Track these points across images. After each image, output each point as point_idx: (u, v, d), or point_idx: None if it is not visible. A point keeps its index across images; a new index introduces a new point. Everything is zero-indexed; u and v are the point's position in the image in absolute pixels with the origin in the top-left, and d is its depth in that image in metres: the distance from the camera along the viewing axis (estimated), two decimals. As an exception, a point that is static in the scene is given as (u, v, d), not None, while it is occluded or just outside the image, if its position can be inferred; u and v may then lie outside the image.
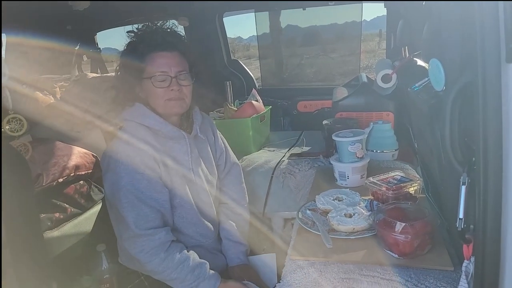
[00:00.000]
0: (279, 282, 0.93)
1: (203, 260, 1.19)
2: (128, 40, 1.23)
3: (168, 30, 1.24)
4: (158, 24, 1.23)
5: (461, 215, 0.72)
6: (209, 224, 1.30)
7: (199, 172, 1.30)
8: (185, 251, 1.18)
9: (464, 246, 0.74)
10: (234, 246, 1.33)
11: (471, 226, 0.73)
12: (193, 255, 1.18)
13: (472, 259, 0.74)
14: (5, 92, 1.17)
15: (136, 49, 1.19)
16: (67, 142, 1.72)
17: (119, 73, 1.24)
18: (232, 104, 2.07)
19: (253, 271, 1.30)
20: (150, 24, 1.23)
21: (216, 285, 1.16)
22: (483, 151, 0.64)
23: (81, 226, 1.54)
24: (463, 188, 0.72)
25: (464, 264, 0.76)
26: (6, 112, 1.24)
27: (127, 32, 1.22)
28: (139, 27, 1.23)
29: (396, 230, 0.91)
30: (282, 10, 2.91)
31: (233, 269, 1.30)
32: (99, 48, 2.72)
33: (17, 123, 1.20)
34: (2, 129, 1.26)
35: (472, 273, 0.74)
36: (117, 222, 1.20)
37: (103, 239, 1.52)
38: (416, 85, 1.16)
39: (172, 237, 1.17)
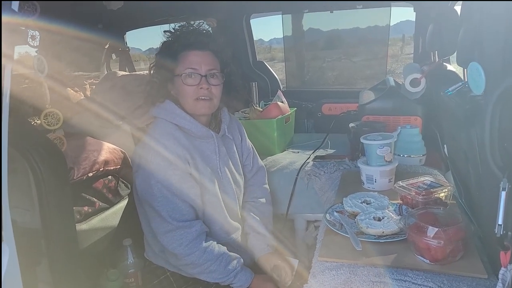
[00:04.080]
0: (307, 283, 0.93)
1: (236, 254, 1.22)
2: (164, 39, 1.26)
3: (204, 31, 1.27)
4: (194, 25, 1.26)
5: (500, 221, 0.71)
6: (233, 222, 1.32)
7: (226, 171, 1.32)
8: (220, 244, 1.20)
9: (502, 253, 0.73)
10: (260, 237, 1.35)
11: (509, 233, 0.71)
12: (225, 249, 1.20)
13: (510, 266, 0.72)
14: (44, 87, 1.22)
15: (171, 48, 1.23)
16: (96, 137, 1.77)
17: (153, 70, 1.27)
18: (257, 105, 2.09)
19: (281, 257, 1.31)
20: (186, 24, 1.27)
21: (251, 277, 1.19)
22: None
23: (108, 220, 1.58)
24: (503, 193, 0.70)
25: (501, 272, 0.74)
26: (44, 106, 1.29)
27: (164, 31, 1.26)
28: (176, 27, 1.26)
29: (428, 235, 0.89)
30: (305, 14, 2.91)
31: (261, 259, 1.31)
32: (128, 47, 2.79)
33: (54, 117, 1.25)
34: (40, 122, 1.31)
35: (509, 281, 0.73)
36: (149, 219, 1.22)
37: (129, 234, 1.56)
38: (450, 89, 1.14)
39: (207, 229, 1.19)
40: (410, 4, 2.24)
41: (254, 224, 1.37)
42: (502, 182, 0.70)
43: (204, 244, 1.15)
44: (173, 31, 1.26)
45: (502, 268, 0.74)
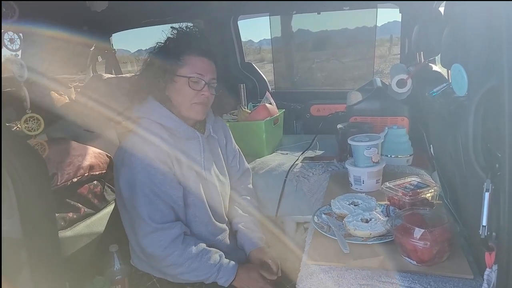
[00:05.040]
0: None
1: (217, 250, 1.22)
2: (169, 36, 1.25)
3: (212, 41, 1.28)
4: (196, 29, 1.26)
5: (484, 223, 0.71)
6: (219, 223, 1.31)
7: (211, 172, 1.31)
8: (199, 242, 1.20)
9: (486, 254, 0.73)
10: (250, 232, 1.35)
11: (494, 234, 0.72)
12: (205, 245, 1.20)
13: (495, 267, 0.72)
14: (23, 92, 1.19)
15: (177, 46, 1.22)
16: (81, 142, 1.74)
17: (148, 66, 1.25)
18: (246, 107, 2.08)
19: (273, 252, 1.32)
20: (194, 27, 1.27)
21: (235, 267, 1.18)
22: (509, 158, 0.63)
23: (94, 226, 1.55)
24: (487, 195, 0.70)
25: (486, 273, 0.74)
26: (24, 111, 1.26)
27: (171, 27, 1.25)
28: (179, 27, 1.25)
29: (414, 236, 0.89)
30: (294, 15, 2.92)
31: (253, 253, 1.32)
32: (114, 49, 2.75)
33: (34, 122, 1.22)
34: (20, 128, 1.28)
35: (494, 282, 0.73)
36: (130, 222, 1.21)
37: (115, 240, 1.53)
38: (435, 90, 1.15)
39: (186, 229, 1.18)
40: (396, 5, 2.26)
41: (243, 221, 1.38)
42: (485, 183, 0.71)
43: (182, 244, 1.15)
44: (180, 29, 1.25)
45: (487, 269, 0.74)
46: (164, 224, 1.14)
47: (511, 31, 0.61)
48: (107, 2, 1.73)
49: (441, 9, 1.69)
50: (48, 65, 2.14)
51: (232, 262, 1.20)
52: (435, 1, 1.85)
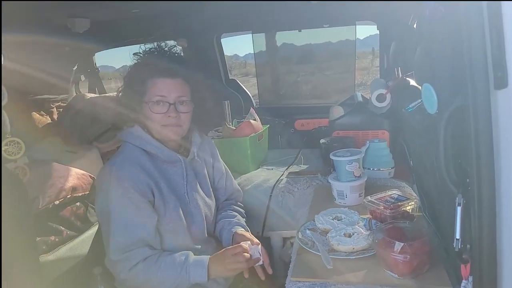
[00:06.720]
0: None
1: (183, 252, 1.19)
2: (134, 61, 1.23)
3: (176, 54, 1.25)
4: (165, 48, 1.24)
5: (458, 236, 0.74)
6: (197, 246, 1.28)
7: (194, 195, 1.29)
8: (157, 250, 1.18)
9: (462, 266, 0.75)
10: (231, 222, 1.35)
11: (468, 246, 0.74)
12: (163, 253, 1.18)
13: (470, 278, 0.75)
14: (4, 116, 1.18)
15: (140, 73, 1.20)
16: (64, 163, 1.72)
17: (121, 93, 1.24)
18: (231, 123, 2.09)
19: (255, 239, 1.27)
20: (157, 47, 1.24)
21: (206, 260, 1.15)
22: (477, 173, 0.67)
23: (76, 249, 1.52)
24: (459, 209, 0.73)
25: (462, 284, 0.76)
26: (4, 135, 1.24)
27: (133, 54, 1.23)
28: (146, 49, 1.23)
29: (395, 250, 0.91)
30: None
31: (235, 236, 1.29)
32: (97, 68, 2.75)
33: (15, 146, 1.20)
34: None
35: (471, 293, 0.75)
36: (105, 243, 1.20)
37: (99, 262, 1.50)
38: (410, 106, 1.18)
39: (151, 252, 1.16)
40: (373, 22, 2.34)
41: (226, 216, 1.38)
42: (457, 198, 0.74)
43: (143, 265, 1.13)
44: (142, 54, 1.24)
45: (463, 281, 0.76)
46: (129, 252, 1.13)
47: (472, 54, 0.65)
48: (88, 23, 1.74)
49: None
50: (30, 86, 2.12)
51: (201, 257, 1.17)
52: (411, 19, 1.93)
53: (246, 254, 1.16)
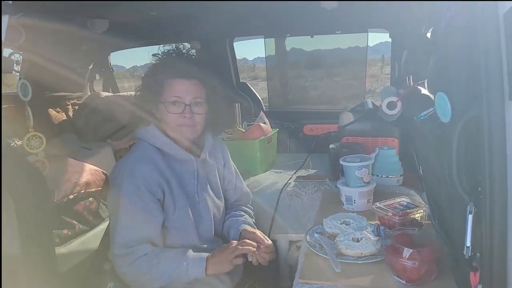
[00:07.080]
0: None
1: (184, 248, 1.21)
2: (152, 62, 1.27)
3: (193, 57, 1.28)
4: (183, 50, 1.28)
5: (468, 243, 0.75)
6: (206, 246, 1.30)
7: (204, 195, 1.32)
8: (158, 247, 1.20)
9: (471, 274, 0.76)
10: (239, 220, 1.37)
11: (478, 254, 0.75)
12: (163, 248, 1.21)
13: (479, 286, 0.75)
14: (27, 111, 1.22)
15: (157, 73, 1.24)
16: (79, 159, 1.76)
17: (139, 93, 1.28)
18: (240, 126, 2.12)
19: (260, 235, 1.29)
20: (175, 48, 1.28)
21: (205, 256, 1.18)
22: (490, 182, 0.68)
23: (88, 243, 1.55)
24: (470, 217, 0.74)
25: (471, 292, 0.77)
26: (27, 130, 1.28)
27: (152, 55, 1.27)
28: (164, 51, 1.27)
29: (403, 256, 0.92)
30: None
31: (242, 233, 1.32)
32: (112, 67, 2.80)
33: (37, 140, 1.24)
34: (20, 144, 1.30)
35: (479, 301, 0.76)
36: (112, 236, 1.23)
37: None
38: (422, 114, 1.20)
39: (151, 247, 1.18)
40: (386, 30, 2.35)
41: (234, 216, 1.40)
42: (468, 206, 0.75)
43: (144, 259, 1.15)
44: (160, 55, 1.27)
45: (472, 288, 0.77)
46: (132, 248, 1.15)
47: (488, 64, 0.66)
48: (107, 24, 1.78)
49: (429, 35, 1.77)
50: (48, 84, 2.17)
51: (199, 254, 1.20)
52: (424, 28, 1.95)
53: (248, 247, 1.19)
